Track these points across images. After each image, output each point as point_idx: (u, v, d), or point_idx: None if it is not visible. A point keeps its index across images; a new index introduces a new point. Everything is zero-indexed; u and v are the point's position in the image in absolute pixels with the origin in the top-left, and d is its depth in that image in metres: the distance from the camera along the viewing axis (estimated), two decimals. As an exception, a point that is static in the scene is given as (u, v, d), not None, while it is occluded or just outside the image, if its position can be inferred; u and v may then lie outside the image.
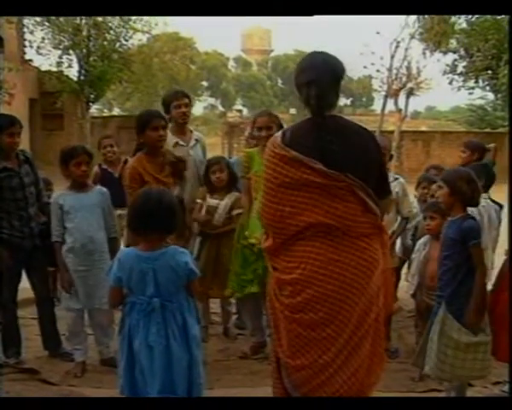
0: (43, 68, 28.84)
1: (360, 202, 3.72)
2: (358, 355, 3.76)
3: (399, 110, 31.13)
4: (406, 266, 6.67)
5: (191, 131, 6.71)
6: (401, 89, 30.86)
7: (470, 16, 26.85)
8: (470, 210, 4.93)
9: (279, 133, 3.85)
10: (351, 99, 79.54)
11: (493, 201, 6.67)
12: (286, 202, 3.72)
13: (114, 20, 27.44)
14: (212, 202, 6.44)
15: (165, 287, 3.94)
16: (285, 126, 4.55)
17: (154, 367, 3.92)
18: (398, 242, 6.55)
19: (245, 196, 6.17)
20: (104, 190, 5.93)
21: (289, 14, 5.19)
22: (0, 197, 5.85)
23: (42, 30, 26.92)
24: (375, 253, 3.79)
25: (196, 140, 6.67)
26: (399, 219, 6.28)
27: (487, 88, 28.09)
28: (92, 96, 28.12)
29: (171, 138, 6.27)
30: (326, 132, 3.69)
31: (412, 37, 29.42)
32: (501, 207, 6.73)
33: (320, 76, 3.75)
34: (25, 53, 27.48)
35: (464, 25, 27.44)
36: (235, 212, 6.32)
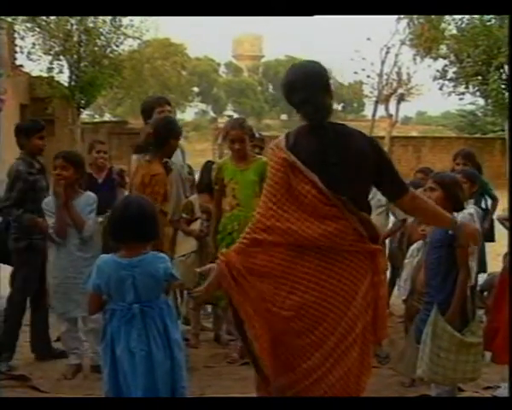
0: (34, 74, 28.82)
1: (351, 223, 3.71)
2: (345, 363, 3.73)
3: (390, 116, 31.26)
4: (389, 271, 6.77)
5: None
6: (392, 94, 31.01)
7: (460, 22, 26.91)
8: (468, 214, 4.96)
9: (283, 137, 3.85)
10: (342, 105, 79.59)
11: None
12: (282, 211, 3.71)
13: (105, 26, 27.43)
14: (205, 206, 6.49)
15: (145, 293, 3.95)
16: (266, 132, 4.58)
17: (137, 373, 3.91)
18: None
19: (214, 206, 6.24)
20: (92, 195, 5.88)
21: (289, 14, 5.23)
22: (34, 199, 5.95)
23: (32, 35, 26.80)
24: (361, 266, 3.77)
25: None
26: (394, 220, 6.33)
27: (477, 93, 28.07)
28: (83, 101, 28.03)
29: None
30: (327, 140, 3.71)
31: (402, 43, 29.59)
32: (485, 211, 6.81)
33: (313, 92, 3.76)
34: (15, 58, 27.40)
35: (454, 31, 27.51)
36: None
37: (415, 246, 5.90)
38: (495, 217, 6.87)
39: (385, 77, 30.94)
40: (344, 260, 3.73)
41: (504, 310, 4.88)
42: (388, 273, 6.87)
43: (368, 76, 31.57)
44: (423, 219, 4.78)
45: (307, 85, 3.77)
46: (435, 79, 28.47)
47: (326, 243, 3.68)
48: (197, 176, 7.21)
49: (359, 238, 3.73)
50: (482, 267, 7.49)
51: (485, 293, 6.36)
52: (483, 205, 7.34)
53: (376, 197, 4.30)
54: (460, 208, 4.86)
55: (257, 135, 6.72)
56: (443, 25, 27.56)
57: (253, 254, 3.76)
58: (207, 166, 7.03)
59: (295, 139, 3.77)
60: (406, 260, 6.01)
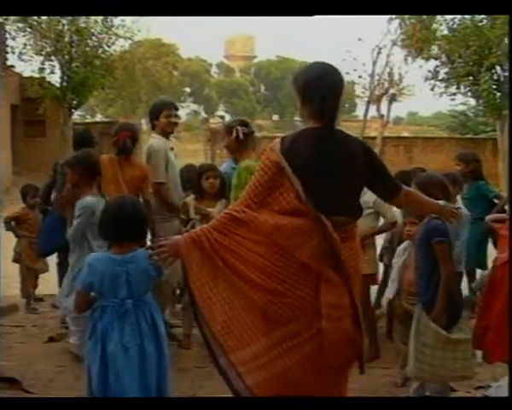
0: (25, 74, 28.77)
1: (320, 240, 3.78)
2: (299, 353, 3.81)
3: (382, 116, 31.31)
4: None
5: None
6: (383, 95, 31.06)
7: (451, 22, 26.96)
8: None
9: (279, 140, 3.90)
10: (333, 105, 79.65)
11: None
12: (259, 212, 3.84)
13: (97, 26, 27.40)
14: (202, 209, 6.52)
15: (137, 288, 4.07)
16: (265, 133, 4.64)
17: (131, 367, 3.99)
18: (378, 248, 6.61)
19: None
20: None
21: (289, 14, 5.26)
22: None
23: (24, 36, 26.78)
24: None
25: (172, 147, 6.99)
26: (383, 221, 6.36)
27: (469, 94, 28.11)
28: (74, 102, 28.00)
29: (166, 142, 6.79)
30: (324, 145, 3.81)
31: (394, 43, 29.64)
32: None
33: (336, 87, 3.92)
34: (7, 59, 27.26)
35: (445, 31, 27.54)
36: None
37: (402, 246, 5.92)
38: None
39: (376, 77, 31.00)
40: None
41: (494, 308, 4.91)
42: (381, 273, 6.90)
43: (359, 76, 31.66)
44: (417, 210, 4.94)
45: (333, 80, 3.92)
46: (427, 79, 28.51)
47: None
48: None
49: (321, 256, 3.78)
50: (483, 267, 7.54)
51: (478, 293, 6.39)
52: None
53: (363, 199, 4.35)
54: None
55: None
56: (434, 25, 27.58)
57: (227, 232, 3.86)
58: (187, 168, 7.38)
59: (291, 144, 3.83)
60: (394, 260, 6.04)
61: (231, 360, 3.87)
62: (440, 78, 28.28)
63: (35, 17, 25.22)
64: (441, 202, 4.62)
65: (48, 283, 8.46)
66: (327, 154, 3.79)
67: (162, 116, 6.77)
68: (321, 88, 3.84)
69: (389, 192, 4.17)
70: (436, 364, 4.64)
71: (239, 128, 5.97)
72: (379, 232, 6.44)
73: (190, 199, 6.72)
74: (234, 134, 5.98)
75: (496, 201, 7.71)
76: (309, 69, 4.04)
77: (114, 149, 6.87)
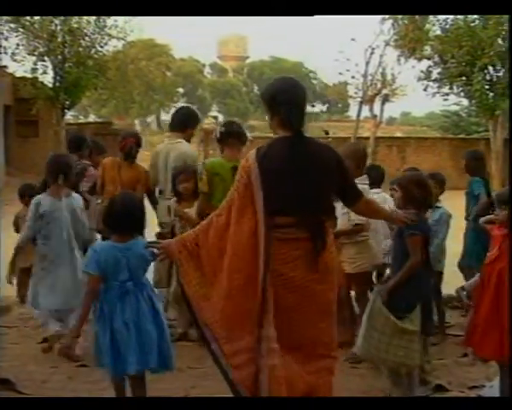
0: (18, 75, 28.65)
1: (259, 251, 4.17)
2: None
3: (375, 116, 31.29)
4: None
5: None
6: (376, 95, 31.03)
7: (444, 23, 27.01)
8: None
9: (255, 149, 4.27)
10: (326, 105, 79.77)
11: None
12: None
13: (89, 27, 27.36)
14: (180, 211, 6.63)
15: (136, 272, 4.65)
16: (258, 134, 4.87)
17: (131, 342, 4.52)
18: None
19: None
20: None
21: (289, 14, 5.33)
22: None
23: (16, 36, 26.70)
24: None
25: None
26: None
27: (461, 94, 28.15)
28: (67, 102, 27.96)
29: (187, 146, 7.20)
30: (297, 152, 4.19)
31: (387, 43, 29.61)
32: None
33: (300, 97, 4.32)
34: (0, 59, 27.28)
35: (438, 31, 27.58)
36: None
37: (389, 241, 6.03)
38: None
39: (369, 78, 30.95)
40: None
41: (482, 306, 4.96)
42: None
43: (352, 77, 31.59)
44: (374, 217, 5.45)
45: (296, 92, 4.32)
46: (419, 79, 28.56)
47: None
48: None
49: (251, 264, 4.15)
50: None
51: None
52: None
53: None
54: (426, 206, 5.21)
55: None
56: (427, 26, 27.62)
57: (205, 235, 4.35)
58: None
59: (267, 151, 4.21)
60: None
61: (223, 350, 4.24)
62: (433, 78, 28.34)
63: (27, 17, 25.16)
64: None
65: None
66: (298, 158, 4.17)
67: (195, 128, 7.28)
68: (285, 100, 4.22)
69: (352, 199, 4.57)
70: (381, 348, 4.86)
71: (217, 128, 6.36)
72: (344, 233, 6.33)
73: (173, 201, 6.77)
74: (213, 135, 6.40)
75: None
76: (274, 84, 4.46)
77: (121, 154, 7.60)
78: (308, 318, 4.22)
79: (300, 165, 4.16)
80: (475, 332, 5.05)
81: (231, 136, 6.26)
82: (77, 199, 6.33)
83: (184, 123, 7.10)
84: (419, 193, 5.05)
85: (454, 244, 6.95)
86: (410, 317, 4.84)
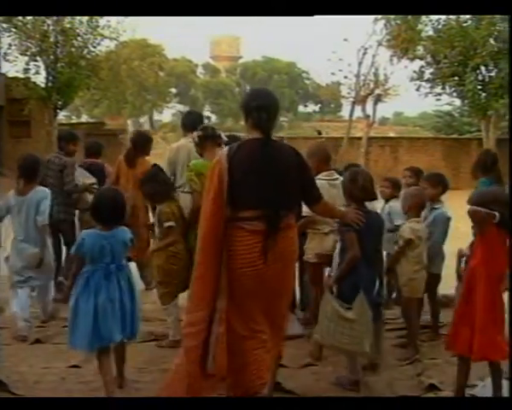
0: (10, 75, 28.62)
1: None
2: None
3: (367, 116, 31.37)
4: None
5: None
6: (369, 95, 31.13)
7: (436, 23, 27.08)
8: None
9: (227, 148, 4.81)
10: (319, 106, 79.81)
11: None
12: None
13: (82, 27, 27.31)
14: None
15: (118, 256, 5.34)
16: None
17: (115, 315, 5.21)
18: None
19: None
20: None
21: (289, 14, 5.39)
22: None
23: (9, 36, 26.67)
24: None
25: None
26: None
27: (454, 94, 28.23)
28: (60, 102, 27.94)
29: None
30: (264, 153, 4.63)
31: (379, 44, 29.71)
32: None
33: (270, 104, 4.80)
34: (-9, 60, 27.24)
35: (431, 32, 27.66)
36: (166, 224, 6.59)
37: None
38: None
39: (362, 78, 31.04)
40: None
41: (460, 306, 5.03)
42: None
43: (345, 77, 31.68)
44: (329, 217, 5.79)
45: (267, 99, 4.83)
46: (412, 79, 28.65)
47: None
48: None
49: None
50: None
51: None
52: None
53: None
54: (359, 200, 5.57)
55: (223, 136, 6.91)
56: (419, 26, 27.72)
57: None
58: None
59: (236, 151, 4.65)
60: None
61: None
62: (426, 78, 28.43)
63: (20, 17, 25.11)
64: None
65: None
66: (265, 158, 4.62)
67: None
68: (257, 106, 4.72)
69: (312, 199, 5.05)
70: (329, 333, 5.35)
71: (194, 133, 6.75)
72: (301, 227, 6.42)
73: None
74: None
75: None
76: (249, 93, 5.30)
77: (131, 151, 8.73)
78: (268, 299, 4.68)
79: (265, 164, 4.61)
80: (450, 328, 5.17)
81: (208, 139, 6.64)
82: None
83: (196, 125, 7.25)
84: (352, 188, 5.56)
85: (451, 245, 6.93)
86: (353, 307, 5.26)
